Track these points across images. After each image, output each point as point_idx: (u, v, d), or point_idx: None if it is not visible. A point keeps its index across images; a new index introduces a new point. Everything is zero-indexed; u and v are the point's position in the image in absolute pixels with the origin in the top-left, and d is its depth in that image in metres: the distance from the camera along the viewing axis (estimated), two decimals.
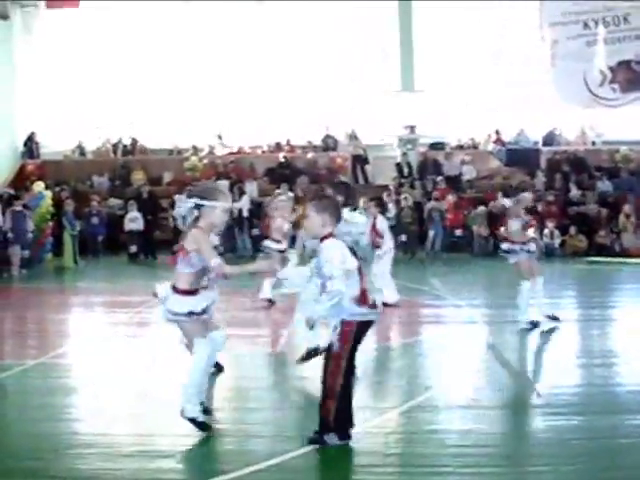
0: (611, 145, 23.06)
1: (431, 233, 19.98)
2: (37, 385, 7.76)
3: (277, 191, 20.91)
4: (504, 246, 9.88)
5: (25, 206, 18.62)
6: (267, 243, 11.93)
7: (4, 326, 11.65)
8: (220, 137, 24.41)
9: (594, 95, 21.85)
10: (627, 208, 19.31)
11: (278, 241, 11.83)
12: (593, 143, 23.58)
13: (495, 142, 23.47)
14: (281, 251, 11.63)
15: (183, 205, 5.92)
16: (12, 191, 19.97)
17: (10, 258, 17.36)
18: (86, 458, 5.57)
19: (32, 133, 24.54)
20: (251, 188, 21.98)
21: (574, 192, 20.65)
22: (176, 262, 5.93)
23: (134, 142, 24.83)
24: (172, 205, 20.22)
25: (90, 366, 8.55)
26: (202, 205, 5.86)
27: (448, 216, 20.26)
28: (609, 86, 21.87)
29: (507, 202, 10.26)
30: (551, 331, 9.53)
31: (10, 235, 17.44)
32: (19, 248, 17.51)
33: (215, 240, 6.75)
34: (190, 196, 5.96)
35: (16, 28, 24.51)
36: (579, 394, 7.14)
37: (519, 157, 22.87)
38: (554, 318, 9.73)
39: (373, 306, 5.60)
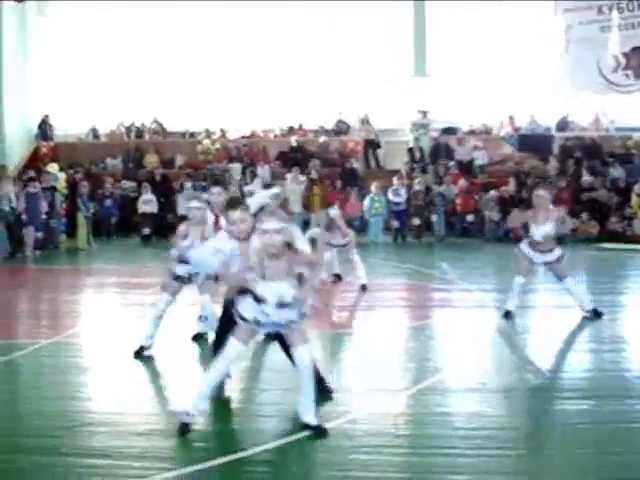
0: (624, 131, 22.98)
1: (434, 217, 20.00)
2: (50, 364, 7.85)
3: (288, 175, 21.05)
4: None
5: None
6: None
7: (19, 306, 11.76)
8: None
9: (607, 81, 21.74)
10: (637, 188, 19.27)
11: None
12: (606, 129, 23.50)
13: (510, 128, 23.41)
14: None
15: None
16: (32, 173, 20.11)
17: (24, 239, 17.54)
18: (98, 436, 5.65)
19: (46, 116, 24.64)
20: (263, 171, 22.03)
21: (586, 178, 20.60)
22: None
23: (157, 124, 24.82)
24: (182, 187, 20.36)
25: (102, 346, 8.64)
26: None
27: (459, 201, 20.27)
28: (622, 72, 21.74)
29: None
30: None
31: (24, 216, 17.60)
32: (33, 229, 17.67)
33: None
34: None
35: (30, 11, 24.57)
36: (588, 379, 7.17)
37: (532, 143, 22.81)
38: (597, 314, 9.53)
39: None
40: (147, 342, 7.91)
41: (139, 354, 7.84)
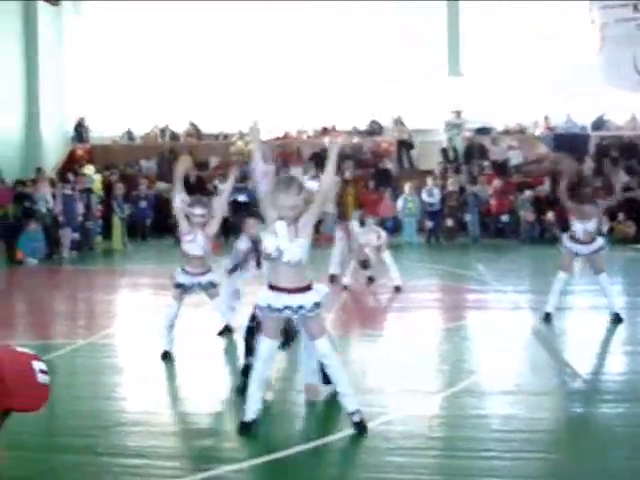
0: None
1: (468, 218, 19.89)
2: (86, 364, 7.92)
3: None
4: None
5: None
6: None
7: (55, 306, 11.89)
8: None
9: None
10: None
11: None
12: None
13: (544, 127, 23.23)
14: None
15: None
16: (69, 175, 20.36)
17: (61, 240, 17.75)
18: (133, 435, 5.68)
19: (81, 118, 24.90)
20: (296, 173, 22.02)
21: (623, 178, 20.36)
22: None
23: (192, 126, 24.98)
24: (215, 189, 20.47)
25: (138, 346, 8.69)
26: None
27: (493, 202, 20.12)
28: None
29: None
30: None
31: (61, 218, 17.81)
32: (70, 230, 17.89)
33: None
34: None
35: (66, 13, 24.83)
36: (625, 381, 7.09)
37: (567, 142, 22.56)
38: (618, 318, 9.30)
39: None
40: (169, 346, 7.96)
41: (166, 357, 7.87)
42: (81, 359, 8.12)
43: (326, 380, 6.14)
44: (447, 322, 10.06)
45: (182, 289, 8.03)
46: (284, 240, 5.49)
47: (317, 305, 5.57)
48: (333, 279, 12.37)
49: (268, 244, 5.55)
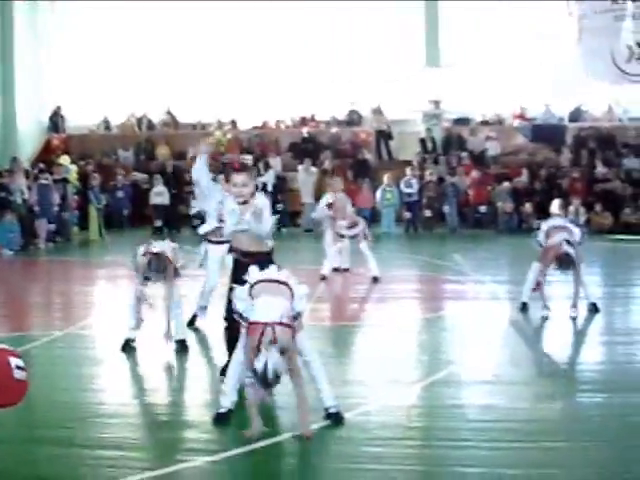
0: (638, 122, 22.79)
1: (446, 208, 19.95)
2: (63, 355, 7.88)
3: (300, 166, 21.01)
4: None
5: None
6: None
7: (31, 298, 11.81)
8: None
9: (621, 71, 21.54)
10: None
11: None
12: (620, 120, 23.32)
13: (519, 117, 23.30)
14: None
15: None
16: (42, 165, 20.21)
17: (37, 231, 17.61)
18: (111, 427, 5.64)
19: (58, 107, 24.70)
20: (275, 163, 21.98)
21: (600, 169, 20.48)
22: None
23: (170, 115, 24.85)
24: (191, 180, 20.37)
25: (115, 337, 8.62)
26: None
27: (471, 192, 20.19)
28: (636, 62, 21.52)
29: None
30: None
31: (36, 208, 17.66)
32: (45, 221, 17.74)
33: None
34: None
35: (42, 3, 24.60)
36: (602, 371, 7.13)
37: (545, 133, 22.67)
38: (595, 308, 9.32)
39: None
40: (132, 332, 7.88)
41: (127, 347, 7.81)
42: (58, 350, 8.07)
43: None
44: (425, 312, 10.09)
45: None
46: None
47: (299, 314, 5.57)
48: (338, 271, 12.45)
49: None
